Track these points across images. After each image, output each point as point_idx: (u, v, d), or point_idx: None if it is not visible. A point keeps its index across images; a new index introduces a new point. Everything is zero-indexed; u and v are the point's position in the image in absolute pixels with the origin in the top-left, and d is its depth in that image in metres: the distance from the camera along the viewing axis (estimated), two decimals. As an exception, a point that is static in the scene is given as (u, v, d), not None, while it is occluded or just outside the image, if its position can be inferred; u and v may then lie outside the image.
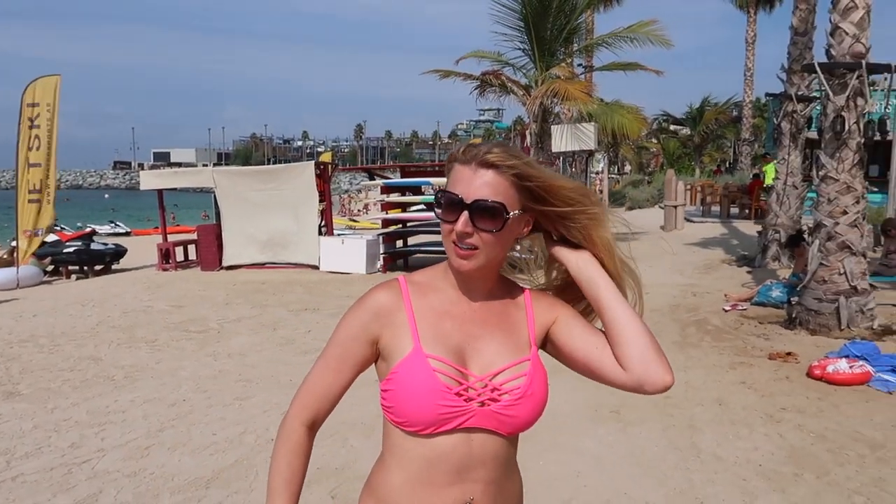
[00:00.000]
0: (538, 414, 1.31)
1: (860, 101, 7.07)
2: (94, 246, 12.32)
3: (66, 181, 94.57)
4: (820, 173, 7.33)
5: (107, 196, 65.93)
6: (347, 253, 11.49)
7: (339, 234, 13.12)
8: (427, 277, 1.38)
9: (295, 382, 5.48)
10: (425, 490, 1.27)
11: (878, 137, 10.03)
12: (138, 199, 41.06)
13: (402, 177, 13.49)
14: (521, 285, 1.43)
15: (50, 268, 11.91)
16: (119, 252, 12.55)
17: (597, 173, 21.85)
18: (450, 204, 1.26)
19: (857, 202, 7.11)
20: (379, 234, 12.19)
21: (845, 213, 7.08)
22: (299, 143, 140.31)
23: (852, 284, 6.95)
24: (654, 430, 4.42)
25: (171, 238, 13.20)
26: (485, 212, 1.24)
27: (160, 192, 12.93)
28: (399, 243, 12.76)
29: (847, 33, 7.11)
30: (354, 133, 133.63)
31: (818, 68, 7.18)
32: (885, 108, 15.46)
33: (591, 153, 17.37)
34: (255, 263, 12.03)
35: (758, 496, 3.59)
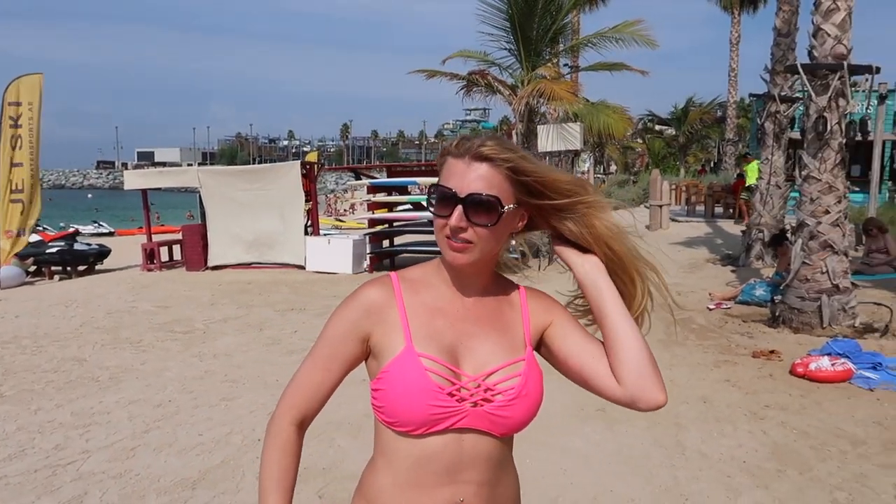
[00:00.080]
0: (532, 415, 1.28)
1: (842, 102, 7.15)
2: (77, 246, 12.21)
3: (49, 181, 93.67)
4: (803, 173, 7.40)
5: (90, 196, 65.43)
6: (334, 253, 11.46)
7: (325, 234, 13.09)
8: (420, 274, 1.34)
9: (281, 383, 5.47)
10: (414, 491, 1.24)
11: (859, 138, 10.15)
12: (122, 199, 40.76)
13: (388, 176, 13.47)
14: (515, 283, 1.40)
15: (32, 268, 11.78)
16: (103, 252, 12.44)
17: (583, 173, 21.96)
18: (443, 198, 1.23)
19: (839, 202, 7.20)
20: (365, 234, 12.17)
21: (827, 212, 7.16)
22: (285, 142, 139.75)
23: (834, 283, 7.03)
24: (639, 428, 4.45)
25: (155, 238, 13.10)
26: (479, 206, 1.21)
27: (144, 191, 12.83)
28: (385, 243, 12.75)
29: (829, 35, 7.19)
30: (340, 132, 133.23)
31: (801, 69, 7.25)
32: (867, 108, 15.64)
33: (576, 153, 17.43)
34: (240, 263, 11.97)
35: (742, 492, 3.63)
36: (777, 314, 7.39)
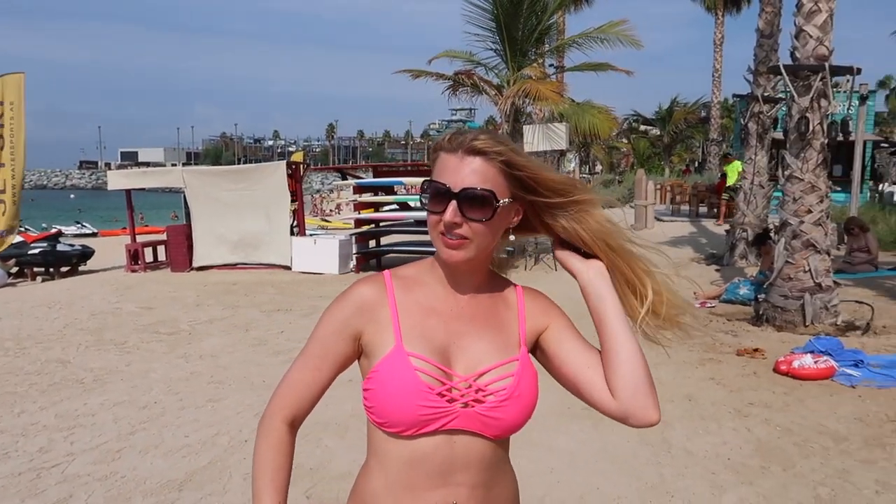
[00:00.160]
0: (526, 417, 1.25)
1: (824, 103, 7.24)
2: (60, 247, 12.08)
3: (30, 181, 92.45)
4: (785, 173, 7.48)
5: (72, 196, 64.76)
6: (320, 253, 11.43)
7: (311, 235, 13.05)
8: (413, 272, 1.31)
9: (268, 383, 5.46)
10: (406, 494, 1.22)
11: (840, 138, 10.28)
12: (105, 199, 40.36)
13: (374, 176, 13.47)
14: (513, 282, 1.37)
15: (14, 270, 11.65)
16: (86, 253, 12.32)
17: (568, 173, 22.04)
18: (437, 194, 1.20)
19: (822, 201, 7.28)
20: (352, 234, 12.15)
21: (810, 211, 7.24)
22: (270, 142, 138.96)
23: (817, 281, 7.11)
24: (625, 427, 4.45)
25: (139, 239, 13.00)
26: (474, 200, 1.18)
27: (128, 192, 12.74)
28: (372, 243, 12.73)
29: (811, 36, 7.27)
30: (326, 132, 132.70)
31: (783, 70, 7.33)
32: (848, 109, 15.84)
33: (562, 153, 17.49)
34: (226, 264, 11.91)
35: (726, 489, 3.67)
36: (761, 312, 7.46)
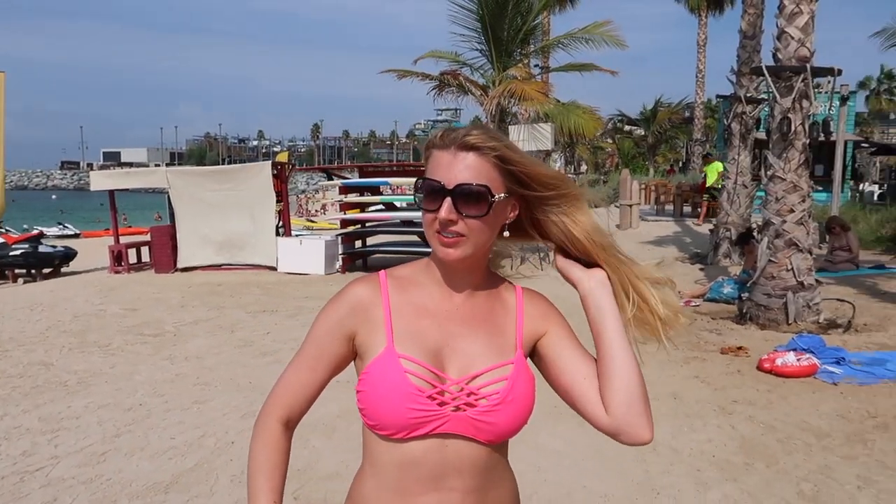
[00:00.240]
0: (520, 422, 1.22)
1: (805, 104, 7.32)
2: (42, 248, 11.93)
3: (11, 182, 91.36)
4: (768, 173, 7.55)
5: (54, 197, 64.08)
6: (306, 253, 11.39)
7: (296, 235, 13.01)
8: (409, 272, 1.29)
9: (254, 385, 5.44)
10: (397, 498, 1.20)
11: (822, 138, 10.40)
12: (88, 200, 39.99)
13: (360, 177, 13.44)
14: (512, 283, 1.34)
15: (-5, 271, 11.52)
16: (69, 254, 12.19)
17: (554, 173, 22.06)
18: (431, 192, 1.18)
19: (804, 201, 7.36)
20: (337, 235, 12.12)
21: (792, 211, 7.31)
22: (255, 142, 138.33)
23: (799, 280, 7.19)
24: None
25: (123, 240, 12.89)
26: (469, 196, 1.16)
27: (112, 192, 12.62)
28: (358, 244, 12.71)
29: (793, 38, 7.35)
30: (311, 133, 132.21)
31: (766, 71, 7.40)
32: (829, 110, 16.02)
33: (548, 153, 17.55)
34: (211, 265, 11.83)
35: (711, 486, 3.70)
36: (744, 311, 7.53)
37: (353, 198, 12.13)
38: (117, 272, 11.79)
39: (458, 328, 1.24)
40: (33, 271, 11.61)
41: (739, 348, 6.27)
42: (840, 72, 7.63)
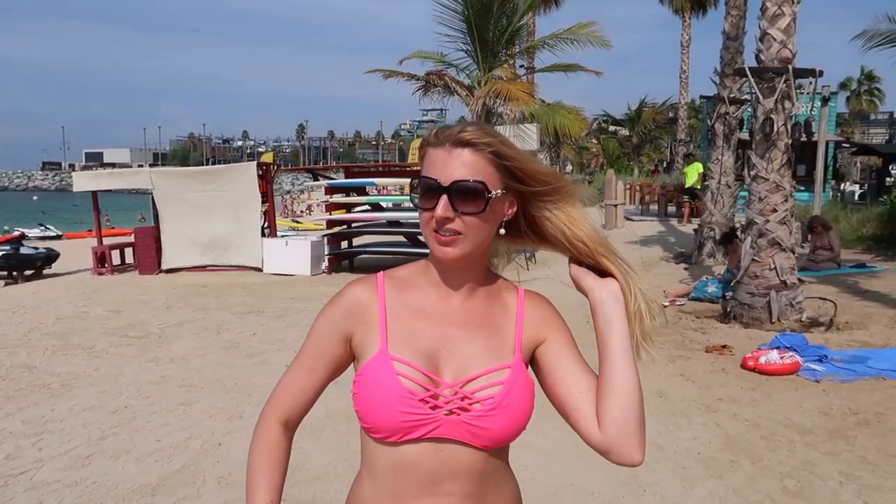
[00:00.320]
0: (517, 427, 1.20)
1: (787, 104, 7.40)
2: (23, 250, 11.80)
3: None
4: (751, 173, 7.63)
5: (35, 198, 63.32)
6: (291, 254, 11.34)
7: (282, 236, 12.95)
8: (406, 273, 1.27)
9: (241, 386, 5.42)
10: (394, 502, 1.19)
11: (804, 138, 10.49)
12: (70, 201, 39.58)
13: (346, 177, 13.42)
14: (515, 284, 1.31)
15: (-24, 274, 11.38)
16: (51, 256, 12.06)
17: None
18: (427, 190, 1.16)
19: (786, 200, 7.44)
20: (324, 235, 12.08)
21: (775, 210, 7.39)
22: (239, 143, 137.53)
23: (782, 279, 7.27)
24: (598, 423, 4.53)
25: (106, 241, 12.77)
26: (465, 193, 1.14)
27: (95, 193, 12.51)
28: (344, 244, 12.68)
29: (775, 39, 7.43)
30: (296, 133, 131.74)
31: (748, 72, 7.47)
32: (811, 110, 16.20)
33: (533, 153, 17.61)
34: (195, 266, 11.76)
35: (696, 483, 3.74)
36: (728, 310, 7.60)
37: (338, 198, 12.11)
38: (101, 274, 11.69)
39: (455, 331, 1.22)
40: (15, 273, 11.48)
41: (724, 347, 6.33)
42: (821, 73, 7.74)
